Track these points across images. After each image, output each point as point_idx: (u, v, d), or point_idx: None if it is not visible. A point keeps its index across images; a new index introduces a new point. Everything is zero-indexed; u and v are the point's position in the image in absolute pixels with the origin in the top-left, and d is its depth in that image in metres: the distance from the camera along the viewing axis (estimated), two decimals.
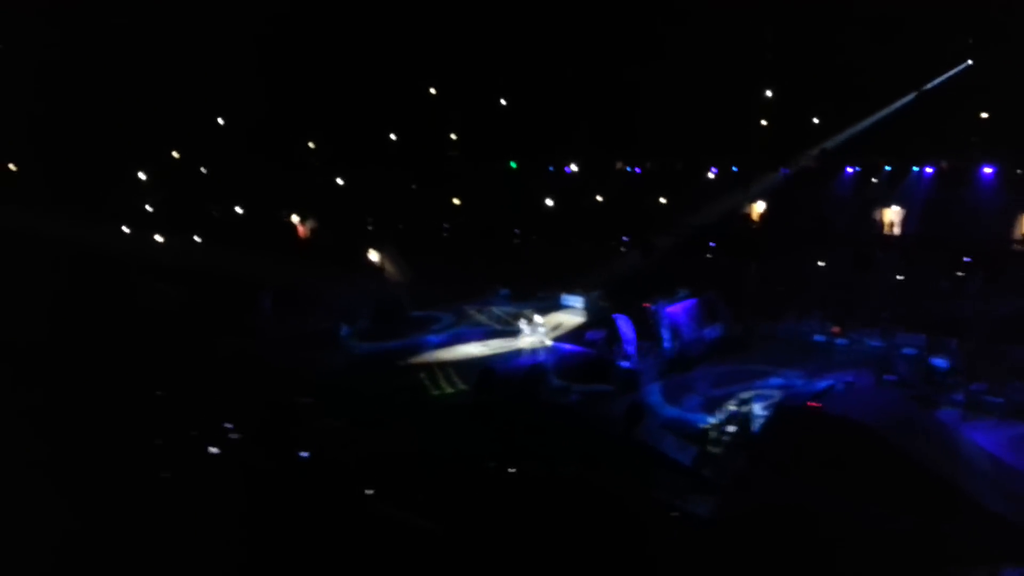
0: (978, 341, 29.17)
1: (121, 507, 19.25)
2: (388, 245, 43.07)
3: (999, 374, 26.44)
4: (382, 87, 41.03)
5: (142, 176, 47.62)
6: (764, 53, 34.73)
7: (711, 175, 38.13)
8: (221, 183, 47.02)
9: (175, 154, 48.57)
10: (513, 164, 42.45)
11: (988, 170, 32.01)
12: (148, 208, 47.48)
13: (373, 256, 42.95)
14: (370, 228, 44.95)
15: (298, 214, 47.40)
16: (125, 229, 44.98)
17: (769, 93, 35.39)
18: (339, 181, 45.64)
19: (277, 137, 44.56)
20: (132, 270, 39.76)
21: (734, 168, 38.05)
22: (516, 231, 42.66)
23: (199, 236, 46.18)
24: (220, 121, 46.44)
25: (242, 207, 47.28)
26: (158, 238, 45.26)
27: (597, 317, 33.11)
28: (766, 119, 35.82)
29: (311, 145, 46.83)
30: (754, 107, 35.74)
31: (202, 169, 48.57)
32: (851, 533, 17.96)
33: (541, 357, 30.71)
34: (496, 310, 36.35)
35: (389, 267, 42.81)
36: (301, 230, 47.72)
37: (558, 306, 35.78)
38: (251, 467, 22.08)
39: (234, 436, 24.20)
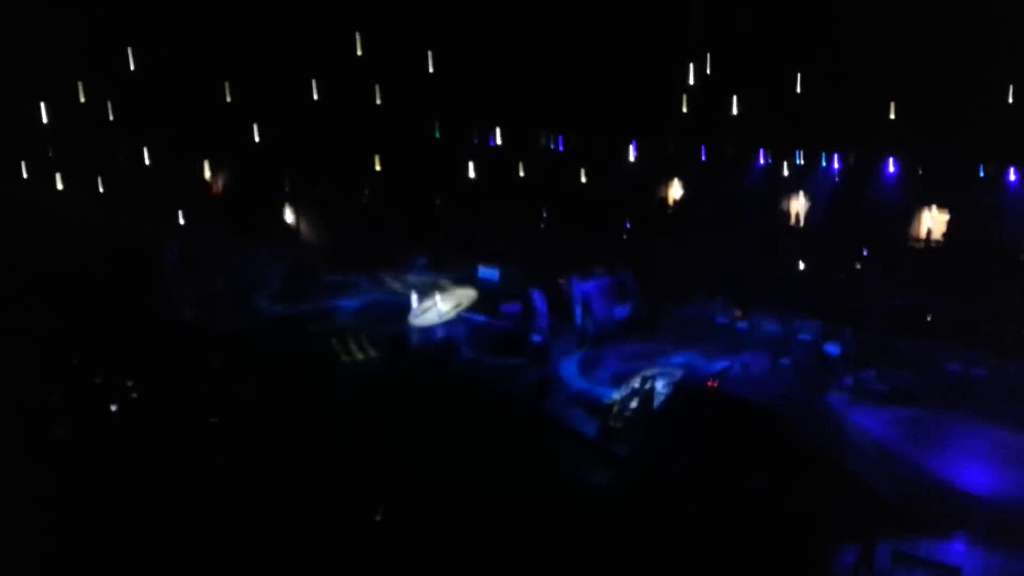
0: (872, 331, 30.79)
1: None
2: (305, 206, 42.16)
3: (888, 363, 28.06)
4: (309, 44, 39.78)
5: (44, 117, 44.97)
6: (690, 38, 35.21)
7: (632, 156, 38.65)
8: (129, 127, 44.74)
9: (81, 94, 45.96)
10: (437, 132, 42.02)
11: (891, 167, 33.50)
12: (49, 153, 44.99)
13: (288, 216, 42.00)
14: (287, 188, 43.80)
15: (211, 167, 45.72)
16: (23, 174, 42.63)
17: (691, 80, 35.95)
18: (256, 136, 44.19)
19: (193, 83, 42.66)
20: (29, 220, 37.76)
21: (654, 150, 38.68)
22: (437, 200, 42.32)
23: (103, 183, 44.12)
24: (131, 61, 44.08)
25: (151, 155, 45.25)
26: (59, 185, 43.09)
27: (512, 290, 33.30)
28: (689, 103, 36.39)
29: (228, 93, 44.97)
30: (678, 91, 36.25)
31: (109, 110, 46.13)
32: (741, 509, 18.92)
33: (455, 328, 30.76)
34: (412, 277, 36.14)
35: (305, 227, 41.95)
36: (213, 183, 46.10)
37: (475, 277, 35.82)
38: (155, 426, 21.63)
39: (135, 395, 23.60)
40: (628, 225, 37.73)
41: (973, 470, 21.41)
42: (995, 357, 28.46)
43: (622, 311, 32.20)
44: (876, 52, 31.21)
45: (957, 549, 17.61)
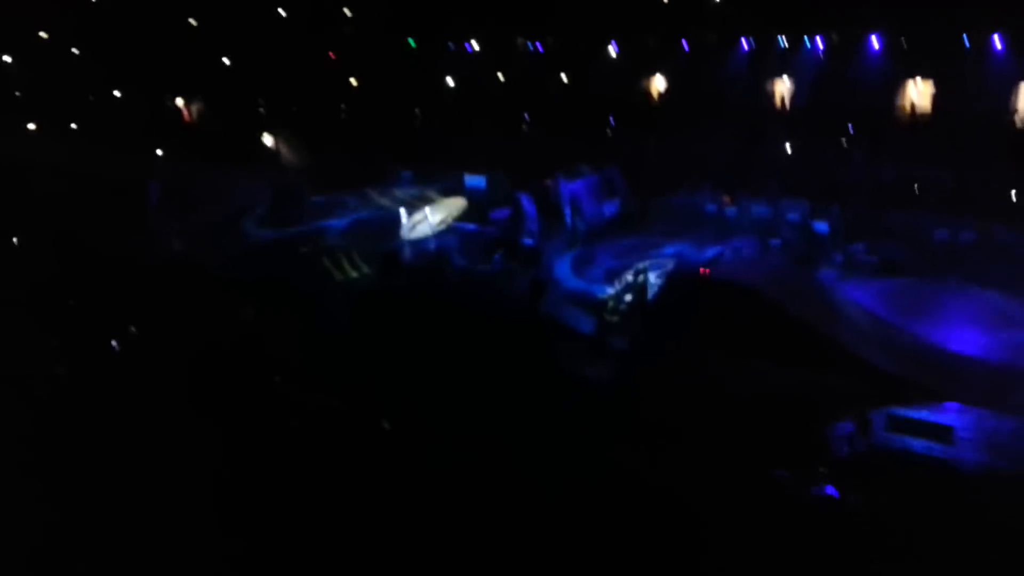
0: (858, 206, 30.88)
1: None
2: (283, 128, 41.47)
3: (877, 235, 28.25)
4: None
5: (7, 59, 43.76)
6: None
7: (612, 52, 37.86)
8: (96, 65, 43.63)
9: (43, 35, 44.64)
10: (412, 42, 40.97)
11: (875, 42, 32.88)
12: (16, 94, 43.96)
13: (267, 140, 41.37)
14: (262, 111, 43.00)
15: (183, 97, 44.77)
16: None
17: None
18: (226, 61, 43.11)
19: (153, 12, 41.33)
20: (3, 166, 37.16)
21: (635, 44, 37.87)
22: (417, 111, 41.64)
23: (76, 124, 43.28)
24: None
25: (121, 91, 44.29)
26: (31, 127, 42.23)
27: (500, 196, 33.16)
28: None
29: (193, 22, 43.67)
30: None
31: (74, 50, 44.91)
32: (741, 390, 19.37)
33: (445, 238, 30.75)
34: (399, 192, 35.88)
35: (285, 152, 41.39)
36: (186, 115, 45.26)
37: (461, 186, 35.58)
38: (156, 361, 21.80)
39: (134, 330, 23.72)
40: (612, 122, 37.31)
41: (964, 333, 21.85)
42: (982, 221, 28.68)
43: (611, 207, 32.18)
44: None
45: (950, 409, 18.13)
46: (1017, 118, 31.55)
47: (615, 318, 23.45)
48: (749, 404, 18.69)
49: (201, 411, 19.04)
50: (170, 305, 25.05)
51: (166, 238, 32.21)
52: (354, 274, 28.08)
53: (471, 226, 31.73)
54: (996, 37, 30.52)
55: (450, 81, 41.40)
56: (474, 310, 24.70)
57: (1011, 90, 31.58)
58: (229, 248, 30.81)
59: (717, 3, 34.17)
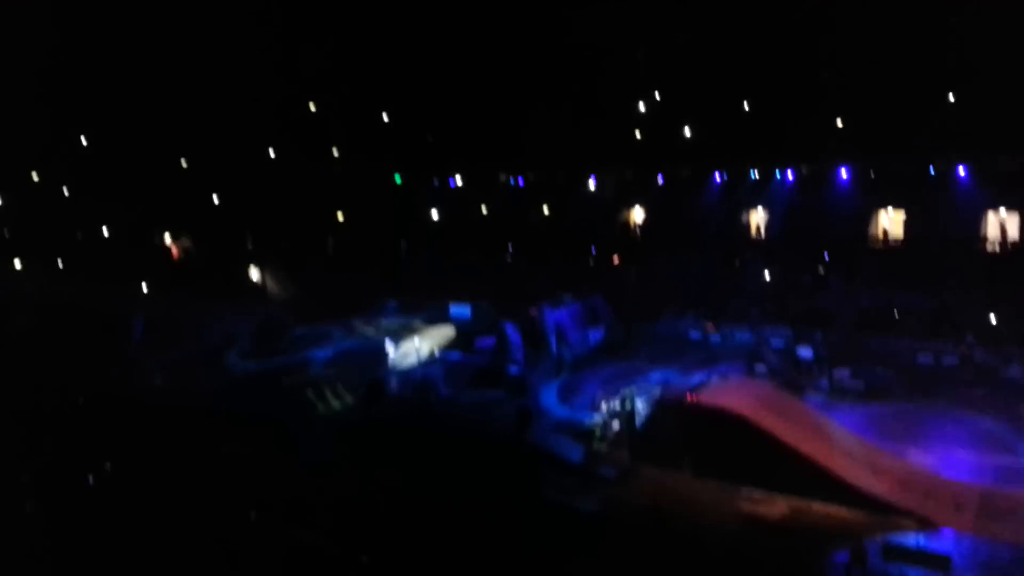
0: (840, 331, 31.27)
1: None
2: (270, 262, 42.02)
3: (860, 360, 28.45)
4: (257, 98, 40.05)
5: None
6: (637, 66, 36.04)
7: (591, 185, 39.25)
8: (85, 204, 44.57)
9: (35, 175, 45.82)
10: (398, 178, 42.36)
11: (844, 174, 34.35)
12: (5, 233, 44.55)
13: (254, 274, 41.79)
14: (250, 246, 43.69)
15: (170, 234, 45.51)
16: None
17: (642, 106, 36.68)
18: (214, 198, 44.15)
19: (144, 153, 42.68)
20: None
21: (612, 178, 39.36)
22: (403, 243, 42.51)
23: (62, 262, 43.66)
24: (82, 139, 44.15)
25: (109, 229, 45.02)
26: (18, 265, 42.53)
27: (485, 325, 33.37)
28: (640, 130, 37.12)
29: (184, 162, 45.03)
30: (630, 119, 36.99)
31: (64, 190, 45.97)
32: (731, 519, 18.91)
33: (431, 368, 30.65)
34: (385, 322, 36.03)
35: (271, 284, 41.76)
36: (174, 251, 45.86)
37: (446, 316, 35.83)
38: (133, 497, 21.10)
39: (109, 468, 23.05)
40: (594, 251, 38.19)
41: (955, 458, 21.65)
42: (963, 346, 29.02)
43: (595, 335, 32.39)
44: (818, 67, 32.23)
45: (946, 537, 17.71)
46: (986, 244, 32.65)
47: (604, 447, 23.13)
48: (741, 534, 18.23)
49: (182, 547, 18.29)
50: (150, 439, 24.48)
51: (148, 372, 31.89)
52: (338, 405, 27.72)
53: (456, 355, 31.72)
54: (960, 166, 32.04)
55: (435, 214, 42.53)
56: (460, 440, 24.28)
57: (978, 217, 32.88)
58: (212, 381, 30.49)
59: (689, 139, 35.74)
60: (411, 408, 27.09)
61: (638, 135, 36.80)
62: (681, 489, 20.38)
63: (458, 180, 42.12)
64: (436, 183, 42.40)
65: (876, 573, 16.37)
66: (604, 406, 24.72)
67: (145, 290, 41.33)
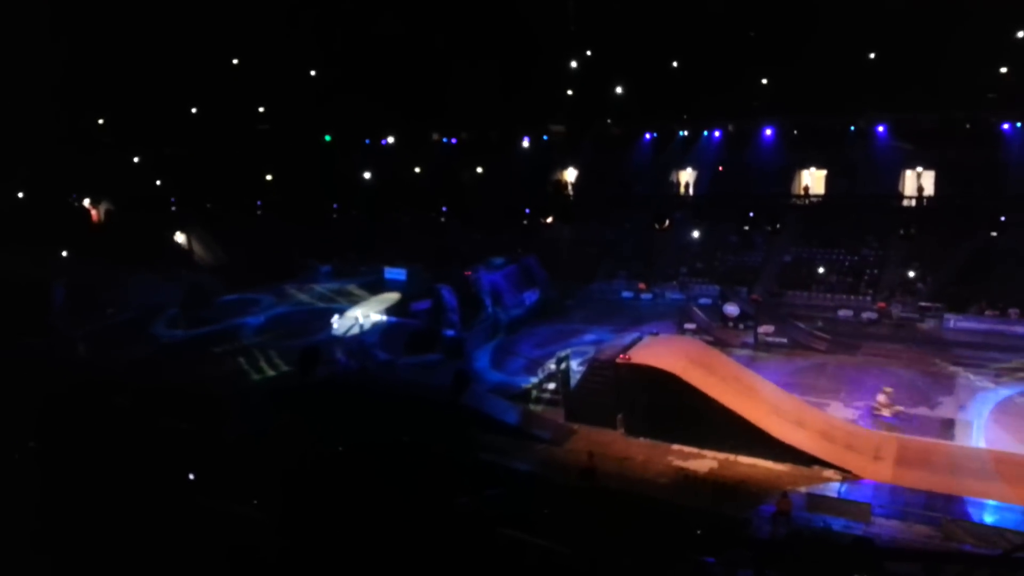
0: (765, 288, 32.21)
1: None
2: (196, 226, 40.77)
3: (783, 317, 29.40)
4: (180, 54, 38.33)
5: None
6: (568, 25, 35.78)
7: (525, 143, 39.12)
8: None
9: None
10: (328, 137, 41.37)
11: (768, 133, 35.04)
12: None
13: (180, 239, 40.53)
14: (174, 209, 42.24)
15: (90, 197, 43.66)
16: None
17: (573, 64, 36.51)
18: (135, 160, 42.45)
19: (62, 115, 40.56)
20: None
21: (544, 137, 39.27)
22: (335, 206, 41.69)
23: None
24: None
25: (26, 192, 42.89)
26: None
27: (420, 288, 33.20)
28: (571, 88, 37.03)
29: (101, 122, 43.04)
30: (561, 77, 36.82)
31: None
32: (663, 475, 19.47)
33: (367, 332, 30.41)
34: (319, 288, 35.49)
35: (198, 250, 40.58)
36: (95, 215, 44.06)
37: (381, 280, 35.49)
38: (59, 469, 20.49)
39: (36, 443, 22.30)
40: (528, 212, 38.18)
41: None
42: (881, 299, 30.28)
43: (531, 297, 32.60)
44: (744, 27, 32.53)
45: (866, 487, 18.58)
46: (903, 200, 33.88)
47: (539, 407, 23.48)
48: (672, 489, 18.77)
49: (109, 520, 17.90)
50: (77, 411, 23.72)
51: (71, 341, 30.79)
52: (271, 372, 27.33)
53: (392, 319, 31.52)
54: (880, 126, 33.02)
55: (367, 175, 41.80)
56: (397, 404, 24.23)
57: (896, 174, 34.04)
58: (138, 350, 29.64)
59: (619, 97, 35.78)
60: (346, 374, 26.88)
61: (569, 93, 36.73)
62: (614, 447, 20.87)
63: (390, 139, 41.41)
64: (367, 143, 41.58)
65: (800, 523, 17.05)
66: (539, 368, 25.02)
67: (65, 255, 39.62)
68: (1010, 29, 28.94)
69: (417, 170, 41.24)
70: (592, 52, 35.70)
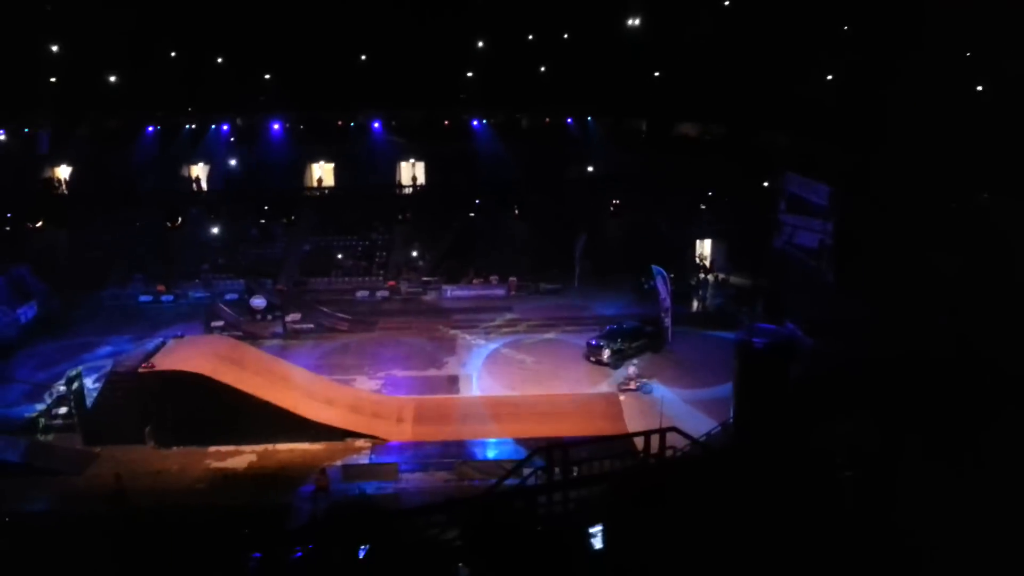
0: (289, 278, 33.15)
1: None
2: None
3: (308, 304, 30.68)
4: None
5: None
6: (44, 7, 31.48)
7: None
8: None
9: None
10: None
11: (276, 127, 35.71)
12: None
13: None
14: None
15: None
16: None
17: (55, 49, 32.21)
18: None
19: None
20: None
21: (26, 130, 34.38)
22: None
23: None
24: None
25: None
26: None
27: None
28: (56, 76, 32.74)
29: None
30: (42, 63, 32.24)
31: None
32: (200, 480, 19.05)
33: None
34: None
35: None
36: None
37: None
38: None
39: None
40: (10, 216, 33.12)
41: (395, 378, 25.18)
42: (391, 278, 33.50)
43: (27, 313, 28.69)
44: (249, 21, 32.25)
45: (392, 448, 20.66)
46: (401, 189, 37.60)
47: (50, 436, 21.00)
48: (210, 493, 18.55)
49: None
50: None
51: None
52: None
53: None
54: (377, 123, 36.07)
55: None
56: None
57: (394, 165, 37.60)
58: None
59: (114, 87, 32.92)
60: None
61: (53, 81, 32.47)
62: (146, 463, 19.85)
63: None
64: None
65: (337, 494, 18.31)
66: (46, 392, 22.34)
67: None
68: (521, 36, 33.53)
69: None
70: (75, 39, 32.00)
